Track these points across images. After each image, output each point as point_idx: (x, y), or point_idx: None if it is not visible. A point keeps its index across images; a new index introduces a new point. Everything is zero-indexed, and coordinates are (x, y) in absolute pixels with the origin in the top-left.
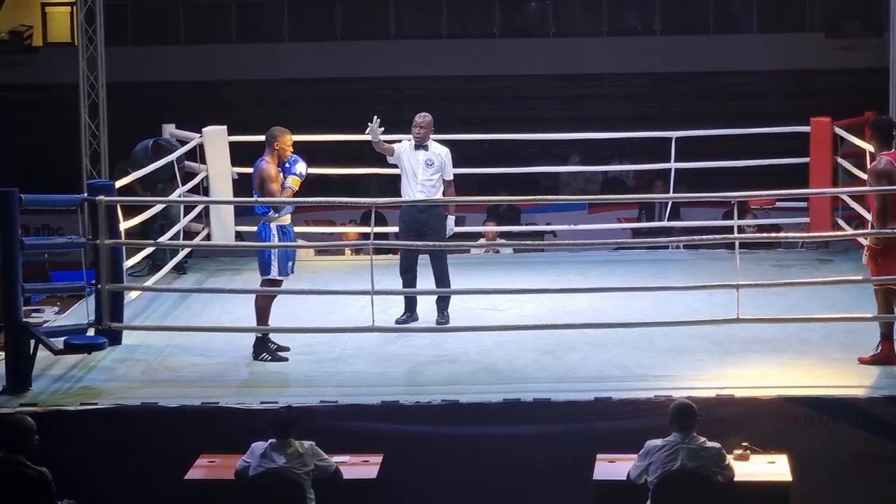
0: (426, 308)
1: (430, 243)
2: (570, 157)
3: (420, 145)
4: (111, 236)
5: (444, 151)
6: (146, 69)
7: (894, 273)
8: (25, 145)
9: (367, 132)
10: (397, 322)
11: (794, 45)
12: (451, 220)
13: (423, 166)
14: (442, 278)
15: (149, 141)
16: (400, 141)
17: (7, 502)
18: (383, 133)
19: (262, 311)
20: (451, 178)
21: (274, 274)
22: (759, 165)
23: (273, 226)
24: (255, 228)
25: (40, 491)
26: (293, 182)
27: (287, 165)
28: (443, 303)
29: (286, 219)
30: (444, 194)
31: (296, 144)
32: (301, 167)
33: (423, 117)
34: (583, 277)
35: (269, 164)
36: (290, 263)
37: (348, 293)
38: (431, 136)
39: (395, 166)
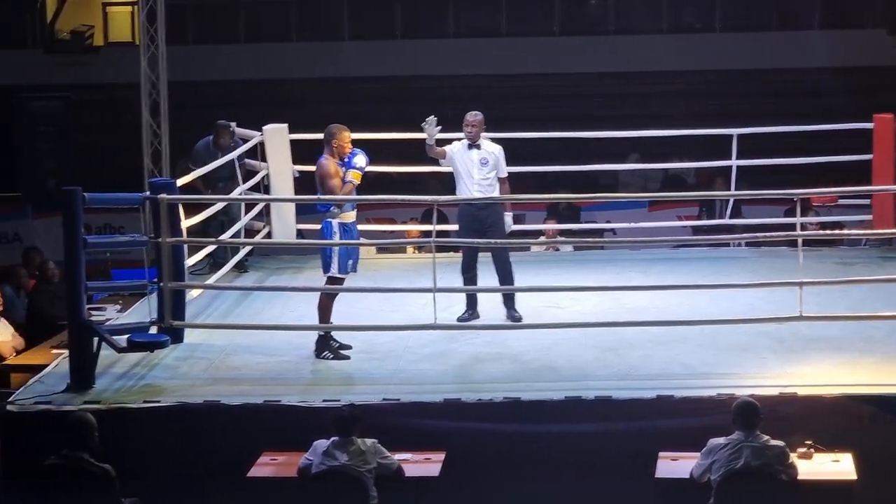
0: (487, 306)
1: (491, 241)
2: (629, 154)
3: (473, 144)
4: (173, 234)
5: (497, 149)
6: (207, 68)
7: None
8: (87, 144)
9: (424, 130)
10: (459, 320)
11: (855, 41)
12: (508, 217)
13: (477, 165)
14: (505, 276)
15: (209, 136)
16: (451, 142)
17: (72, 499)
18: (439, 131)
19: (324, 310)
20: (506, 175)
21: (334, 271)
22: (821, 163)
23: (335, 223)
24: (315, 226)
25: (105, 488)
26: (353, 176)
27: (347, 160)
28: (509, 300)
29: (349, 216)
30: (499, 192)
31: (356, 143)
32: (360, 160)
33: (474, 116)
34: (643, 275)
35: (328, 161)
36: (350, 262)
37: (410, 291)
38: (483, 135)
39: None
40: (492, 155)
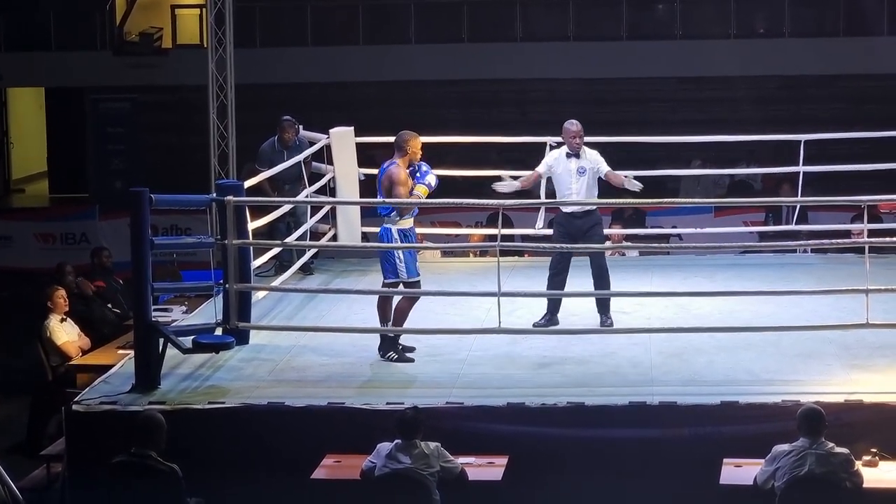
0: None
1: (568, 246)
2: (692, 160)
3: (572, 154)
4: (239, 236)
5: (595, 155)
6: (274, 70)
7: None
8: (155, 146)
9: (499, 187)
10: (535, 325)
11: None
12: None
13: (575, 175)
14: (601, 281)
15: (274, 136)
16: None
17: (139, 496)
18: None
19: (402, 313)
20: (608, 167)
21: (404, 276)
22: (888, 169)
23: (395, 230)
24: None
25: (171, 486)
26: (421, 191)
27: (418, 174)
28: (603, 306)
29: (408, 222)
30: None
31: (422, 146)
32: (432, 178)
33: (578, 126)
34: (709, 281)
35: (399, 168)
36: (416, 265)
37: (474, 295)
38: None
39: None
40: (589, 163)
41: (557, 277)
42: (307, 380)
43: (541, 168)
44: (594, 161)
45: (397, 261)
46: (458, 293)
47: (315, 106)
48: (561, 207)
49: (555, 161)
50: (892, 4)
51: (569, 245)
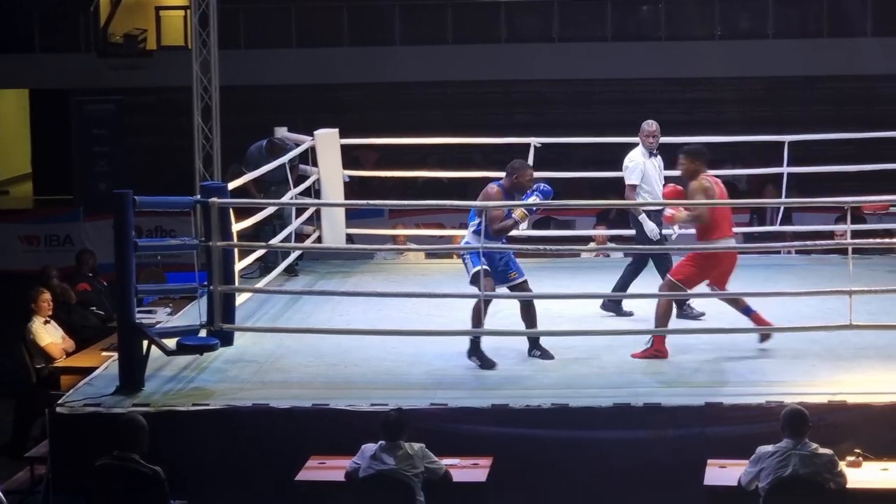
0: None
1: (547, 247)
2: (677, 161)
3: (653, 153)
4: (223, 238)
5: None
6: (258, 72)
7: None
8: (139, 148)
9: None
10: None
11: None
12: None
13: (659, 172)
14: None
15: (263, 141)
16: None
17: (122, 499)
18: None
19: (477, 313)
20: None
21: (518, 278)
22: (872, 171)
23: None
24: (363, 231)
25: (155, 489)
26: (519, 215)
27: (524, 196)
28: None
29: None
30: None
31: (406, 147)
32: (534, 200)
33: (653, 125)
34: None
35: (496, 191)
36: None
37: (458, 296)
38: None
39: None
40: (660, 163)
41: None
42: (292, 381)
43: (634, 179)
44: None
45: (509, 262)
46: (443, 295)
47: (299, 108)
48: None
49: (644, 165)
50: (876, 6)
51: (553, 246)
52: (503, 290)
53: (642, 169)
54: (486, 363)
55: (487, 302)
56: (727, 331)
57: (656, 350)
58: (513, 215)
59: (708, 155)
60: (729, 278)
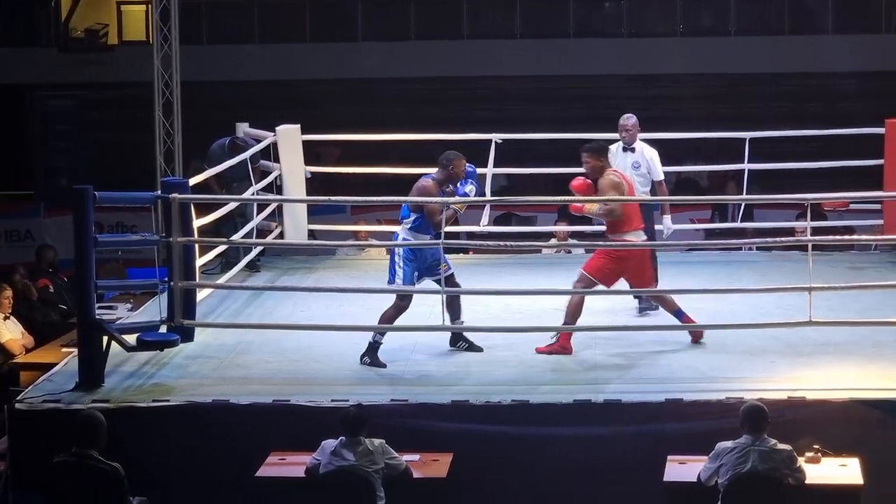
0: (490, 308)
1: (508, 243)
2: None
3: (628, 147)
4: (184, 234)
5: (653, 152)
6: (220, 68)
7: None
8: (100, 143)
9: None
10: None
11: (870, 45)
12: (667, 219)
13: (630, 169)
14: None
15: (225, 139)
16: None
17: (80, 496)
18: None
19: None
20: (662, 177)
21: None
22: (833, 167)
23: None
24: (326, 227)
25: (113, 486)
26: (459, 206)
27: (458, 188)
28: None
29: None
30: (656, 194)
31: (368, 143)
32: (471, 189)
33: (628, 119)
34: None
35: (432, 184)
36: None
37: (418, 292)
38: (639, 136)
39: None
40: (644, 159)
41: None
42: (252, 377)
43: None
44: (650, 159)
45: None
46: (402, 290)
47: (261, 104)
48: None
49: (612, 156)
50: (837, 3)
51: (514, 243)
52: (431, 283)
53: (613, 162)
54: (378, 364)
55: (407, 306)
56: (688, 327)
57: (561, 346)
58: (453, 207)
59: (608, 150)
60: (652, 274)
